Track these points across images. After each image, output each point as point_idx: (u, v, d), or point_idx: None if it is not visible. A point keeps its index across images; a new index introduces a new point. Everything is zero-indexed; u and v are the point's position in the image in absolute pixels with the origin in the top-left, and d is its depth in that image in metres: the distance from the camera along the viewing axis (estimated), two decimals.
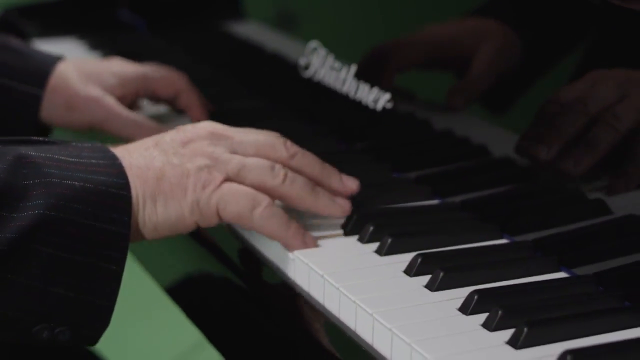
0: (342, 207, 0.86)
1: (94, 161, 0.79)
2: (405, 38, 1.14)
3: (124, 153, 0.82)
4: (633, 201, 0.89)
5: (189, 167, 0.81)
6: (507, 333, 0.70)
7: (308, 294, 0.80)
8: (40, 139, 0.81)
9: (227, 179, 0.82)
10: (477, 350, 0.68)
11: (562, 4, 0.96)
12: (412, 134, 1.04)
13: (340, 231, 0.86)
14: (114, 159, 0.80)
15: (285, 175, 0.83)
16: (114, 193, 0.78)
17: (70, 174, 0.77)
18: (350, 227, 0.86)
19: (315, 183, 0.85)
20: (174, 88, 1.11)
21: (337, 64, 1.07)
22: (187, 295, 0.99)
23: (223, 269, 0.90)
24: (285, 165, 0.84)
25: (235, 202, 0.81)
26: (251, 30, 1.45)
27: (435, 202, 0.93)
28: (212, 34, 1.46)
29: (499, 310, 0.71)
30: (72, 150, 0.80)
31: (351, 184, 0.86)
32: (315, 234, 0.85)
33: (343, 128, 1.07)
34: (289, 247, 0.82)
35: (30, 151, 0.78)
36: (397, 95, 1.10)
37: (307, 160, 0.85)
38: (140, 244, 1.07)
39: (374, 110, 1.01)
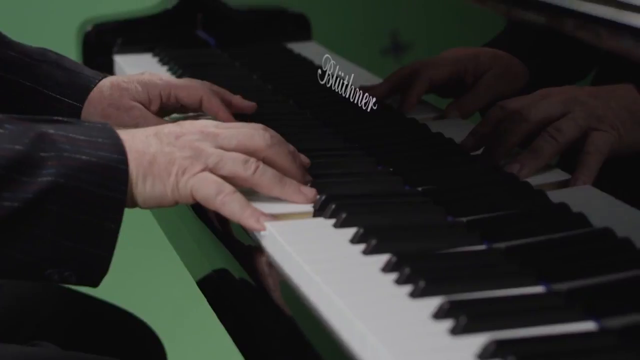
0: (307, 196, 1.02)
1: (100, 140, 0.97)
2: (433, 59, 1.28)
3: (127, 136, 0.99)
4: (572, 195, 1.02)
5: (176, 156, 0.99)
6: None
7: (274, 261, 0.96)
8: (61, 119, 0.99)
9: (207, 169, 0.99)
10: (368, 286, 0.85)
11: (563, 46, 1.09)
12: (398, 133, 1.18)
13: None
14: (117, 139, 0.98)
15: (257, 168, 1.00)
16: (114, 167, 0.96)
17: (80, 149, 0.95)
18: (319, 206, 1.01)
19: (284, 173, 1.02)
20: (196, 95, 1.27)
21: (342, 73, 1.22)
22: (211, 287, 1.14)
23: (238, 268, 1.03)
24: (262, 154, 1.01)
25: (204, 188, 0.98)
26: (308, 49, 1.62)
27: (403, 190, 1.07)
28: (269, 51, 1.63)
29: (392, 256, 0.87)
30: (84, 129, 0.98)
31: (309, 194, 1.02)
32: (291, 210, 1.01)
33: (344, 128, 1.23)
34: (245, 227, 0.99)
35: (51, 129, 0.96)
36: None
37: (281, 154, 1.02)
38: (180, 243, 1.23)
39: (365, 112, 1.16)
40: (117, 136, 0.98)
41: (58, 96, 1.25)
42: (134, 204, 0.99)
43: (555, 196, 1.01)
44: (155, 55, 1.66)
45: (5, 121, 0.95)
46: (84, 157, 0.95)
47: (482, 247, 0.92)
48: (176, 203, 1.01)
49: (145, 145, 0.99)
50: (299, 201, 1.01)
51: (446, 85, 1.26)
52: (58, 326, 1.35)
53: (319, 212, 1.00)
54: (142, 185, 0.98)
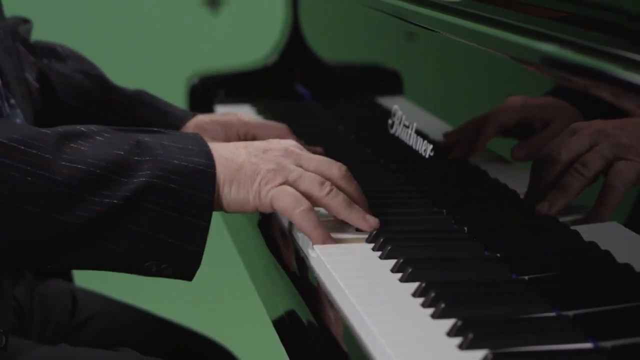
0: (370, 223, 1.12)
1: (190, 147, 1.10)
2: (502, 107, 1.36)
3: (217, 147, 1.12)
4: (603, 233, 1.09)
5: (261, 167, 1.11)
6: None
7: (322, 283, 1.06)
8: (156, 130, 1.12)
9: (287, 183, 1.11)
10: (396, 307, 0.96)
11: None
12: (457, 178, 1.28)
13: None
14: (206, 146, 1.10)
15: (330, 191, 1.11)
16: (202, 170, 1.08)
17: (172, 154, 1.08)
18: (371, 238, 1.12)
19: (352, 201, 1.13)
20: (272, 134, 1.40)
21: (406, 122, 1.33)
22: (283, 327, 1.24)
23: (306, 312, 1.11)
24: (335, 182, 1.12)
25: (284, 199, 1.10)
26: (396, 103, 1.72)
27: (450, 227, 1.17)
28: (358, 104, 1.75)
29: (422, 283, 0.98)
30: (177, 138, 1.11)
31: (372, 221, 1.13)
32: (345, 236, 1.13)
33: (410, 174, 1.34)
34: (312, 241, 1.10)
35: (147, 138, 1.09)
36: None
37: (351, 187, 1.13)
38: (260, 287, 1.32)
39: (424, 157, 1.27)
40: (206, 144, 1.11)
41: None
42: (219, 207, 1.11)
43: (587, 233, 1.08)
44: (253, 105, 1.80)
45: (104, 130, 1.09)
46: (175, 161, 1.07)
47: (508, 278, 1.02)
48: (256, 210, 1.12)
49: (234, 155, 1.11)
50: (363, 227, 1.12)
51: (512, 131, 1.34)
52: (147, 344, 1.47)
53: (370, 242, 1.11)
54: (228, 189, 1.10)
